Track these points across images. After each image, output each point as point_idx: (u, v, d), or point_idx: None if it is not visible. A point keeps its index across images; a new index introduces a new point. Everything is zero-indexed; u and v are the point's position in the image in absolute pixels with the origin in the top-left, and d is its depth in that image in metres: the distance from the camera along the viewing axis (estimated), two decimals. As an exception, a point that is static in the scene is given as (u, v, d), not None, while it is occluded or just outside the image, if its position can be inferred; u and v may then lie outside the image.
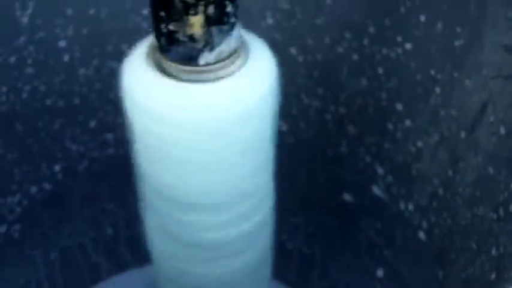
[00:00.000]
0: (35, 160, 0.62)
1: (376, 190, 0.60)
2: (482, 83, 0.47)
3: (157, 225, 0.50)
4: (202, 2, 0.38)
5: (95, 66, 0.60)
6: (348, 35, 0.57)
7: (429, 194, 0.54)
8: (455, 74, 0.50)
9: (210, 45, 0.40)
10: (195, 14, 0.39)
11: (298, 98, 0.62)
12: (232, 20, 0.41)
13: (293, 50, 0.60)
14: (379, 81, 0.57)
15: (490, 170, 0.46)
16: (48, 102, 0.60)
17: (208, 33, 0.40)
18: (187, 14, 0.39)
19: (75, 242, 0.67)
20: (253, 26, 0.46)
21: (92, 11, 0.58)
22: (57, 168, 0.64)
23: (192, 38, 0.40)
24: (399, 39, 0.54)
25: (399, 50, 0.55)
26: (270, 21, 0.59)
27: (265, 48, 0.44)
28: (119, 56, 0.44)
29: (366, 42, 0.56)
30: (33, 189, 0.63)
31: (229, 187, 0.45)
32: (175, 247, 0.49)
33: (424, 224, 0.55)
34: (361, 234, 0.62)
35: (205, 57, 0.41)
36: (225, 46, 0.41)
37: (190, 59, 0.41)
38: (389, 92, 0.56)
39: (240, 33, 0.42)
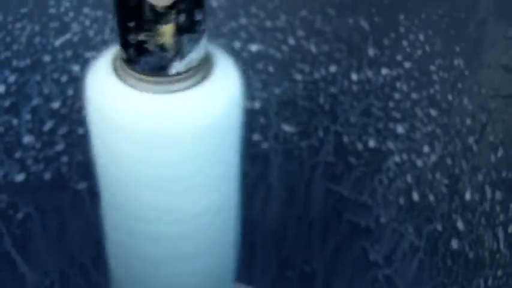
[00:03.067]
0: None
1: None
2: (481, 102, 0.47)
3: (116, 232, 0.50)
4: (173, 11, 0.38)
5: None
6: (346, 55, 0.57)
7: (427, 213, 0.54)
8: (454, 93, 0.50)
9: (180, 54, 0.40)
10: (166, 22, 0.38)
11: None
12: (201, 28, 0.40)
13: (293, 71, 0.60)
14: (379, 101, 0.57)
15: (488, 190, 0.46)
16: (48, 121, 0.60)
17: (179, 42, 0.39)
18: (158, 23, 0.38)
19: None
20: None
21: (91, 31, 0.58)
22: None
23: (162, 48, 0.39)
24: (399, 58, 0.55)
25: (399, 70, 0.55)
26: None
27: (226, 56, 0.44)
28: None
29: (364, 61, 0.56)
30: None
31: (191, 202, 0.45)
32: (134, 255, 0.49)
33: (423, 244, 0.54)
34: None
35: (176, 67, 0.40)
36: (195, 54, 0.41)
37: (160, 69, 0.40)
38: (388, 112, 0.56)
39: (206, 41, 0.42)
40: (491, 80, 0.47)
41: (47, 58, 0.57)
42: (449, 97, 0.51)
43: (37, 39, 0.56)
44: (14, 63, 0.56)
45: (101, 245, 0.66)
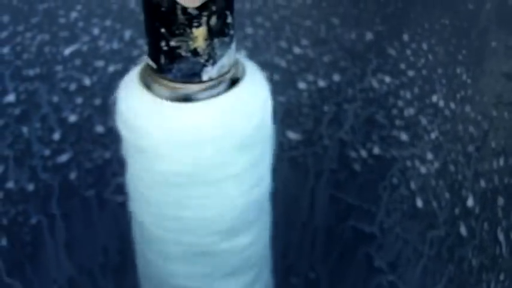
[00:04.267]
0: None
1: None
2: (483, 110, 0.48)
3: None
4: (205, 13, 0.38)
5: (103, 94, 0.61)
6: (350, 64, 0.58)
7: (431, 219, 0.54)
8: (457, 101, 0.51)
9: (212, 58, 0.39)
10: (199, 26, 0.38)
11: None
12: (232, 31, 0.40)
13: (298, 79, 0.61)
14: (383, 109, 0.57)
15: (490, 196, 0.46)
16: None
17: (211, 46, 0.39)
18: (191, 26, 0.38)
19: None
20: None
21: (100, 40, 0.59)
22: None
23: (195, 53, 0.39)
24: (402, 67, 0.55)
25: (403, 78, 0.55)
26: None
27: (251, 61, 0.44)
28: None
29: (368, 70, 0.57)
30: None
31: (228, 209, 0.45)
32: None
33: (427, 249, 0.55)
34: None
35: (208, 72, 0.40)
36: (226, 59, 0.40)
37: (193, 76, 0.40)
38: (391, 119, 0.57)
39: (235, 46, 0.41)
40: (493, 88, 0.47)
41: (56, 67, 0.58)
42: (452, 105, 0.51)
43: (47, 49, 0.57)
44: (24, 72, 0.56)
45: (109, 252, 0.67)
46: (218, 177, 0.42)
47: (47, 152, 0.60)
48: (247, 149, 0.42)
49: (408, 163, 0.57)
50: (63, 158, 0.61)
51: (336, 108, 0.59)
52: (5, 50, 0.55)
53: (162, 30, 0.38)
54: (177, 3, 0.37)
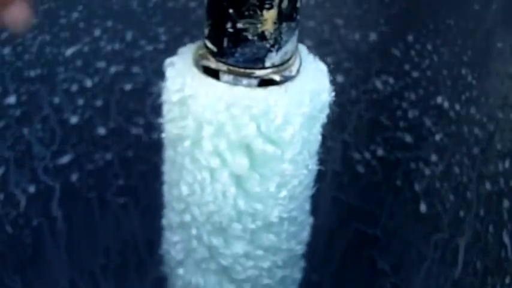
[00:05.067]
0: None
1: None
2: (488, 111, 0.48)
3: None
4: None
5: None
6: (354, 65, 0.58)
7: (435, 222, 0.54)
8: (462, 103, 0.50)
9: (278, 43, 0.38)
10: (270, 8, 0.37)
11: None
12: (298, 16, 0.39)
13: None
14: (387, 110, 0.57)
15: (496, 199, 0.46)
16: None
17: (278, 31, 0.38)
18: (262, 8, 0.37)
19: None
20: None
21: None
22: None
23: (262, 37, 0.38)
24: (406, 68, 0.55)
25: (407, 79, 0.55)
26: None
27: (308, 51, 0.43)
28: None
29: (372, 71, 0.57)
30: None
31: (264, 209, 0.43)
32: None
33: (431, 252, 0.55)
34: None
35: (272, 58, 0.39)
36: (290, 46, 0.39)
37: (256, 61, 0.39)
38: (395, 121, 0.57)
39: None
40: (499, 90, 0.47)
41: (57, 68, 0.58)
42: (457, 106, 0.51)
43: (48, 50, 0.56)
44: (25, 73, 0.56)
45: (110, 254, 0.67)
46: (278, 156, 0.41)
47: (48, 154, 0.60)
48: (295, 141, 0.41)
49: (412, 165, 0.56)
50: (65, 159, 0.61)
51: (339, 110, 0.59)
52: (6, 50, 0.54)
53: (230, 10, 0.37)
54: None
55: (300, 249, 0.50)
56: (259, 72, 0.39)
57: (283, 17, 0.38)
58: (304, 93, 0.41)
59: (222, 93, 0.40)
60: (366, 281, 0.64)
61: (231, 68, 0.39)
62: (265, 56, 0.39)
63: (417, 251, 0.57)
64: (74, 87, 0.59)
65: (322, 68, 0.43)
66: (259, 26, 0.37)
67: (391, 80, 0.56)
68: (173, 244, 0.49)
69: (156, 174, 0.65)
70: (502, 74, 0.47)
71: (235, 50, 0.38)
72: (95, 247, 0.67)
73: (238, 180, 0.42)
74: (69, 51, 0.58)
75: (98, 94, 0.60)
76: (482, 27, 0.48)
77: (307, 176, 0.45)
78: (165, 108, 0.43)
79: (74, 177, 0.62)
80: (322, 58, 0.58)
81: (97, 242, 0.67)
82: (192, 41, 0.60)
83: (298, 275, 0.53)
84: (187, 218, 0.45)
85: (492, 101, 0.47)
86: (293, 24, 0.39)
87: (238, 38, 0.38)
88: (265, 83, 0.39)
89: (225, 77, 0.40)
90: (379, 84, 0.57)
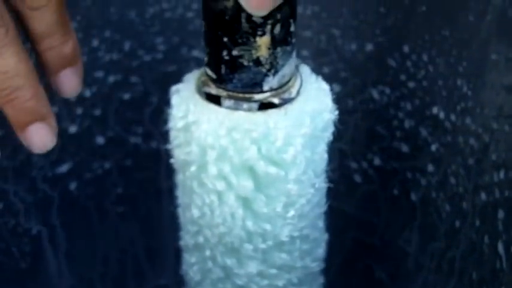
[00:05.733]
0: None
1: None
2: (484, 122, 0.48)
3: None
4: (269, 21, 0.37)
5: (102, 104, 0.61)
6: (350, 75, 0.58)
7: (431, 232, 0.54)
8: (457, 113, 0.50)
9: (274, 68, 0.39)
10: (262, 34, 0.37)
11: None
12: (294, 40, 0.39)
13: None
14: (383, 120, 0.57)
15: (491, 209, 0.46)
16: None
17: (273, 56, 0.39)
18: (255, 35, 0.37)
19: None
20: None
21: (100, 51, 0.59)
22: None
23: (257, 62, 0.38)
24: (403, 78, 0.55)
25: (403, 89, 0.55)
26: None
27: (308, 69, 0.44)
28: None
29: (368, 81, 0.57)
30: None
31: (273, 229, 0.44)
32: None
33: (427, 262, 0.55)
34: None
35: (269, 82, 0.39)
36: (287, 69, 0.40)
37: (254, 85, 0.39)
38: (392, 131, 0.57)
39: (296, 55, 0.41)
40: (494, 100, 0.47)
41: (56, 78, 0.58)
42: (452, 117, 0.51)
43: (46, 60, 0.57)
44: (24, 83, 0.56)
45: (109, 262, 0.67)
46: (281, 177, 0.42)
47: (46, 163, 0.60)
48: (297, 164, 0.42)
49: (409, 175, 0.56)
50: (63, 168, 0.61)
51: (336, 119, 0.59)
52: (5, 61, 0.54)
53: (225, 39, 0.38)
54: (241, 11, 0.37)
55: (316, 266, 0.50)
56: (258, 96, 0.40)
57: (277, 42, 0.38)
58: (304, 114, 0.41)
59: (223, 118, 0.40)
60: None
61: (230, 93, 0.40)
62: (263, 80, 0.39)
63: (414, 260, 0.57)
64: (73, 97, 0.59)
65: (325, 87, 0.43)
66: (253, 52, 0.38)
67: (387, 90, 0.56)
68: (191, 265, 0.50)
69: (155, 182, 0.66)
70: (496, 85, 0.47)
71: (232, 76, 0.39)
72: (93, 255, 0.67)
73: (245, 201, 0.43)
74: (67, 62, 0.58)
75: (97, 103, 0.61)
76: (477, 39, 0.49)
77: (315, 195, 0.45)
78: (172, 135, 0.44)
79: (73, 186, 0.63)
80: (319, 68, 0.59)
81: (96, 251, 0.67)
82: (189, 50, 0.61)
83: None
84: (200, 239, 0.46)
85: (487, 111, 0.48)
86: (288, 48, 0.39)
87: (235, 65, 0.39)
88: (265, 106, 0.40)
89: (226, 102, 0.40)
90: (375, 94, 0.57)
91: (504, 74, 0.46)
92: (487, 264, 0.46)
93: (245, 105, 0.40)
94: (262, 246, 0.44)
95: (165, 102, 0.62)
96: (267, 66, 0.39)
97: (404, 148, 0.56)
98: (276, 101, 0.40)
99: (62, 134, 0.60)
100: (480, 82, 0.48)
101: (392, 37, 0.55)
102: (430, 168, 0.54)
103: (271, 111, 0.40)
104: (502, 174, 0.45)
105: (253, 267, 0.45)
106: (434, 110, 0.53)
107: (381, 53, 0.56)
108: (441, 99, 0.52)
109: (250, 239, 0.44)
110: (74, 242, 0.64)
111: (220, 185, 0.42)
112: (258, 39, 0.38)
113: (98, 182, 0.64)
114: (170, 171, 0.65)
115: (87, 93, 0.60)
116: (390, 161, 0.58)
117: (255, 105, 0.40)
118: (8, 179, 0.58)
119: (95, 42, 0.58)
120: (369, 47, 0.57)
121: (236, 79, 0.39)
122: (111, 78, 0.60)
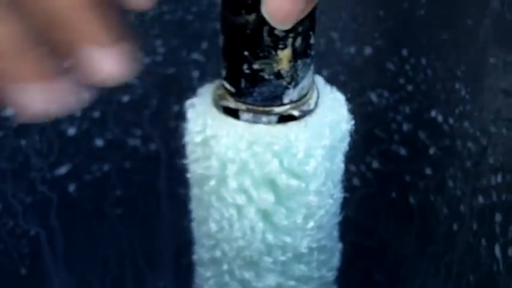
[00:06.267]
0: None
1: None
2: (481, 126, 0.48)
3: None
4: (291, 35, 0.37)
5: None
6: (349, 78, 0.58)
7: (429, 235, 0.54)
8: (455, 117, 0.50)
9: (294, 80, 0.39)
10: (284, 47, 0.37)
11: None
12: (313, 52, 0.40)
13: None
14: (382, 123, 0.57)
15: (488, 213, 0.46)
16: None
17: (294, 68, 0.38)
18: (276, 48, 0.37)
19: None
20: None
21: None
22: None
23: (278, 75, 0.38)
24: (401, 81, 0.55)
25: (401, 93, 0.55)
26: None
27: (325, 82, 0.44)
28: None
29: (367, 84, 0.57)
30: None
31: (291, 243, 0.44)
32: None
33: (425, 265, 0.55)
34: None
35: (289, 95, 0.39)
36: (307, 81, 0.40)
37: (274, 99, 0.39)
38: (390, 134, 0.57)
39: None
40: (492, 104, 0.47)
41: (55, 80, 0.58)
42: (451, 120, 0.51)
43: (46, 62, 0.57)
44: (23, 85, 0.56)
45: (108, 264, 0.67)
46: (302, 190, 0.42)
47: (45, 165, 0.60)
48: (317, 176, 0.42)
49: (407, 178, 0.56)
50: (62, 170, 0.61)
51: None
52: (4, 63, 0.54)
53: (245, 53, 0.38)
54: (264, 25, 0.36)
55: (331, 275, 0.50)
56: (278, 109, 0.40)
57: (298, 55, 0.38)
58: (323, 125, 0.41)
59: (243, 132, 0.40)
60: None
61: (250, 107, 0.40)
62: (283, 93, 0.39)
63: (412, 263, 0.57)
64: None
65: (340, 97, 0.44)
66: (274, 65, 0.38)
67: (385, 94, 0.57)
68: (206, 279, 0.49)
69: (154, 185, 0.66)
70: (495, 89, 0.47)
71: (253, 90, 0.39)
72: (92, 258, 0.67)
73: (265, 215, 0.42)
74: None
75: (96, 105, 0.61)
76: (476, 43, 0.49)
77: (333, 205, 0.46)
78: (189, 149, 0.44)
79: (72, 188, 0.63)
80: (318, 71, 0.59)
81: (94, 253, 0.67)
82: (189, 53, 0.61)
83: None
84: (217, 253, 0.46)
85: (485, 115, 0.48)
86: (308, 60, 0.39)
87: (255, 78, 0.38)
88: (284, 119, 0.40)
89: (244, 115, 0.40)
90: (374, 98, 0.57)
91: (502, 78, 0.46)
92: (484, 267, 0.46)
93: (264, 119, 0.40)
94: (282, 258, 0.44)
95: (165, 105, 0.62)
96: (288, 79, 0.39)
97: (403, 151, 0.57)
98: (295, 113, 0.40)
99: (60, 136, 0.60)
100: (478, 86, 0.49)
101: (391, 41, 0.55)
102: (428, 171, 0.54)
103: (291, 124, 0.40)
104: (499, 178, 0.45)
105: (271, 279, 0.45)
106: (433, 113, 0.53)
107: (379, 56, 0.56)
108: (439, 103, 0.52)
109: (269, 251, 0.44)
110: (72, 244, 0.64)
111: (241, 199, 0.42)
112: (279, 52, 0.37)
113: (96, 184, 0.64)
114: (169, 173, 0.65)
115: (86, 96, 0.60)
116: (388, 164, 0.58)
117: (275, 118, 0.40)
118: (6, 180, 0.58)
119: (95, 45, 0.58)
120: (368, 50, 0.57)
121: (256, 92, 0.39)
122: (111, 81, 0.60)
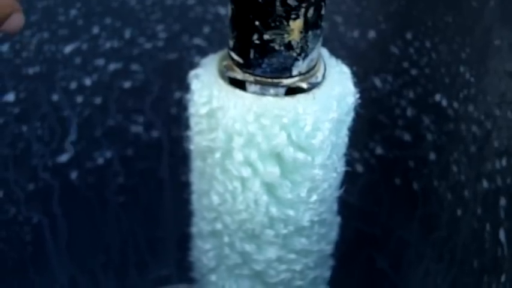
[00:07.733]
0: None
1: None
2: (486, 109, 0.47)
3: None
4: (303, 5, 0.37)
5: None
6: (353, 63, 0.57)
7: (433, 220, 0.54)
8: (460, 100, 0.50)
9: (304, 52, 0.39)
10: (296, 18, 0.37)
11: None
12: (323, 23, 0.39)
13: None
14: (385, 108, 0.57)
15: (493, 197, 0.45)
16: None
17: (304, 39, 0.38)
18: (288, 18, 0.37)
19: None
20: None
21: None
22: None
23: (289, 46, 0.38)
24: (405, 65, 0.55)
25: (405, 77, 0.55)
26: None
27: (329, 54, 0.44)
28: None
29: (371, 69, 0.57)
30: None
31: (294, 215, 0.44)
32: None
33: (429, 251, 0.54)
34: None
35: (299, 67, 0.39)
36: (315, 53, 0.40)
37: (284, 70, 0.39)
38: (394, 119, 0.56)
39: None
40: (497, 87, 0.47)
41: (56, 66, 0.58)
42: (455, 104, 0.51)
43: (46, 47, 0.57)
44: (24, 70, 0.56)
45: (110, 252, 0.67)
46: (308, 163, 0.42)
47: (47, 152, 0.60)
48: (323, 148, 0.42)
49: (411, 163, 0.56)
50: (64, 157, 0.61)
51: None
52: (4, 48, 0.54)
53: (256, 23, 0.37)
54: None
55: (329, 249, 0.51)
56: (286, 81, 0.40)
57: (309, 25, 0.38)
58: (331, 98, 0.41)
59: (250, 104, 0.40)
60: (364, 280, 0.63)
61: (258, 78, 0.40)
62: (292, 65, 0.39)
63: (415, 250, 0.56)
64: (73, 85, 0.59)
65: (346, 70, 0.44)
66: (285, 36, 0.38)
67: (389, 78, 0.56)
68: (205, 252, 0.49)
69: (156, 172, 0.66)
70: (499, 72, 0.46)
71: (262, 61, 0.39)
72: (94, 245, 0.67)
73: (269, 188, 0.42)
74: (67, 49, 0.58)
75: (97, 92, 0.60)
76: (480, 25, 0.48)
77: (336, 179, 0.46)
78: (193, 121, 0.44)
79: (74, 175, 0.63)
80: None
81: (97, 240, 0.67)
82: (190, 38, 0.61)
83: (327, 274, 0.53)
84: (218, 226, 0.46)
85: (490, 98, 0.47)
86: (318, 32, 0.39)
87: (265, 49, 0.38)
88: (292, 91, 0.40)
89: (251, 87, 0.40)
90: (377, 82, 0.57)
91: (507, 60, 0.46)
92: (489, 252, 0.45)
93: (272, 90, 0.40)
94: (284, 231, 0.44)
95: (167, 91, 0.62)
96: (298, 50, 0.38)
97: (407, 137, 0.56)
98: (304, 85, 0.40)
99: (62, 123, 0.60)
100: (483, 68, 0.48)
101: (395, 24, 0.55)
102: (432, 156, 0.53)
103: (300, 96, 0.40)
104: (504, 162, 0.45)
105: (272, 252, 0.45)
106: (437, 97, 0.52)
107: (383, 40, 0.56)
108: (444, 87, 0.52)
109: (272, 225, 0.44)
110: (74, 232, 0.64)
111: (246, 172, 0.42)
112: (291, 22, 0.37)
113: (98, 172, 0.64)
114: (171, 160, 0.65)
115: (88, 82, 0.60)
116: (392, 150, 0.58)
117: (282, 90, 0.40)
118: (8, 167, 0.58)
119: (95, 30, 0.58)
120: (372, 34, 0.56)
121: (265, 64, 0.39)
122: (112, 66, 0.60)
